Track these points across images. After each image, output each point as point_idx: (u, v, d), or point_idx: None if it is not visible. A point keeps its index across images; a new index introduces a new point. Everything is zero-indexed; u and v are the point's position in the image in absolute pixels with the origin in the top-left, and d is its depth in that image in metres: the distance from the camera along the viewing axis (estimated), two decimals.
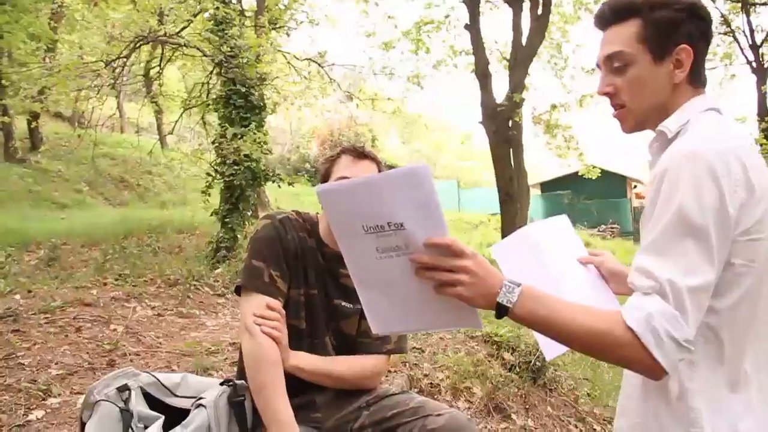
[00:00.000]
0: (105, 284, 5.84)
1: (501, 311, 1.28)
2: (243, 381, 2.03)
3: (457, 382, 3.85)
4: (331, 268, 2.19)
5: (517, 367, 4.28)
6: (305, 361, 2.07)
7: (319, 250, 2.19)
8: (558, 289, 1.45)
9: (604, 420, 4.34)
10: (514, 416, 3.82)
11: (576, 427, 4.13)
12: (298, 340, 2.10)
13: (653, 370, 1.22)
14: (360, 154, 2.15)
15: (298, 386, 2.07)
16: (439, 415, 2.05)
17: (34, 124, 13.57)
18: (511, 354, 4.38)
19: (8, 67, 11.92)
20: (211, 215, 9.15)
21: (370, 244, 1.29)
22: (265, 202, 11.68)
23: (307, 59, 10.97)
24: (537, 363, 4.26)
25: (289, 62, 11.08)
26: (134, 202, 17.87)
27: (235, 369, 2.35)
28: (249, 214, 8.88)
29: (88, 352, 3.95)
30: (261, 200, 10.29)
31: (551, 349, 1.76)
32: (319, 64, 10.79)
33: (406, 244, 1.26)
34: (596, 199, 27.56)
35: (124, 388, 2.00)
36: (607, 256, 1.92)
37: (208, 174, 9.01)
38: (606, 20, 1.48)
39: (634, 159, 34.61)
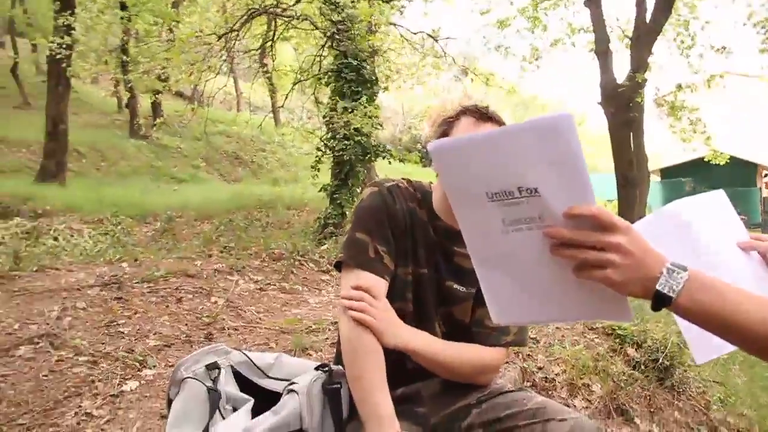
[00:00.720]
0: (210, 256, 5.83)
1: (660, 301, 0.99)
2: (340, 366, 1.80)
3: (574, 378, 3.51)
4: (443, 245, 1.90)
5: (642, 365, 3.87)
6: (424, 342, 1.78)
7: (431, 224, 1.90)
8: None
9: (739, 431, 3.89)
10: (637, 420, 3.44)
11: None
12: None
13: None
14: (483, 115, 1.84)
15: (401, 375, 1.83)
16: (562, 420, 1.74)
17: (152, 98, 14.08)
18: (636, 350, 3.97)
19: (134, 46, 12.42)
20: (320, 191, 9.15)
21: (495, 214, 1.04)
22: (375, 178, 11.63)
23: (420, 32, 10.75)
24: (665, 362, 3.84)
25: (402, 36, 10.89)
26: (248, 179, 18.38)
27: (335, 351, 2.12)
28: (358, 190, 8.77)
29: (186, 324, 3.89)
30: (371, 177, 10.20)
31: (704, 350, 1.46)
32: (434, 38, 10.54)
33: (540, 215, 1.00)
34: (721, 187, 25.83)
35: (213, 366, 1.85)
36: None
37: (318, 149, 9.00)
38: None
39: (766, 145, 32.31)
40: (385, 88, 10.81)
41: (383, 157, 9.05)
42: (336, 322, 4.09)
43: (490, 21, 13.99)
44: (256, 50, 10.64)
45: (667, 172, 29.47)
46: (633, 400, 3.59)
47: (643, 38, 11.51)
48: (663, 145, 22.29)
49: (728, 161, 15.14)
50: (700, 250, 1.52)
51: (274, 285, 5.30)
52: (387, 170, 11.04)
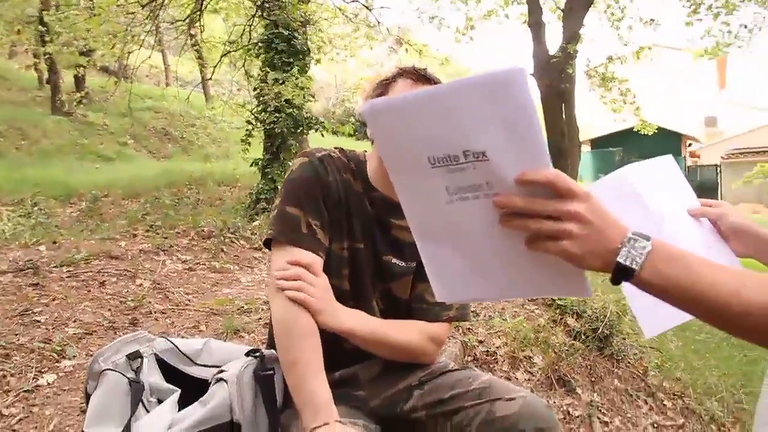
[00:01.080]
0: (135, 236, 5.57)
1: (622, 274, 0.88)
2: (273, 351, 1.67)
3: (515, 351, 3.46)
4: (380, 217, 1.78)
5: (582, 335, 3.87)
6: (360, 322, 1.67)
7: (367, 195, 1.77)
8: None
9: (674, 395, 3.94)
10: (579, 390, 3.43)
11: (646, 402, 3.73)
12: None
13: None
14: (421, 77, 1.72)
15: (338, 358, 1.71)
16: (510, 399, 1.66)
17: (75, 73, 13.47)
18: (576, 320, 3.97)
19: (52, 15, 11.82)
20: (251, 166, 8.94)
21: (438, 182, 0.91)
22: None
23: (354, 1, 10.53)
24: (605, 331, 3.84)
25: (336, 6, 10.70)
26: (178, 155, 17.92)
27: (267, 333, 1.99)
28: (290, 164, 8.60)
29: (110, 309, 3.66)
30: (303, 150, 10.03)
31: (654, 324, 1.41)
32: (368, 8, 10.36)
33: (488, 182, 0.88)
34: (649, 157, 26.62)
35: (135, 356, 1.70)
36: (726, 207, 1.50)
37: (248, 122, 8.76)
38: None
39: (689, 116, 33.45)
40: (317, 61, 10.58)
41: (316, 130, 8.89)
42: (269, 302, 3.94)
43: None
44: (183, 20, 10.22)
45: (597, 143, 30.14)
46: (574, 370, 3.59)
47: (575, 10, 11.63)
48: (593, 116, 22.73)
49: (656, 131, 15.52)
50: (651, 217, 1.45)
51: (204, 264, 5.09)
52: (320, 143, 10.87)
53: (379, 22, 10.82)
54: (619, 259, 0.87)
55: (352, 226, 1.76)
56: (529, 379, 3.34)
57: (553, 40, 11.73)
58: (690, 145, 31.77)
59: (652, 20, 13.57)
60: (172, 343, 1.78)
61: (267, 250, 1.73)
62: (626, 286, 0.93)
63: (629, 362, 3.99)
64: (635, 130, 15.63)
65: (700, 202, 1.53)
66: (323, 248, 1.68)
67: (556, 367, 3.51)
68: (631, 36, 13.67)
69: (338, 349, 1.70)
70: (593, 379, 3.64)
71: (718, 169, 27.49)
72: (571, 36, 11.37)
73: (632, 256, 0.87)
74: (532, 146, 0.85)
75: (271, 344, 1.76)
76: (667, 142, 27.66)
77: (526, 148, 0.85)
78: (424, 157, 0.90)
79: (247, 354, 1.68)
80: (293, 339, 1.56)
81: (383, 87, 1.77)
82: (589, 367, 3.69)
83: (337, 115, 25.73)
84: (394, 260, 1.79)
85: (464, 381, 1.76)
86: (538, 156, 0.86)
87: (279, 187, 8.08)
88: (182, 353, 1.78)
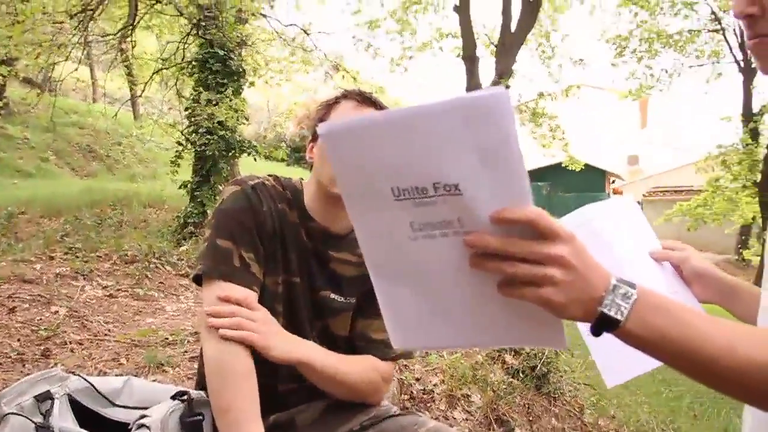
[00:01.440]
0: (52, 258, 5.27)
1: (604, 326, 0.79)
2: (202, 393, 1.53)
3: (453, 389, 3.37)
4: (317, 250, 1.66)
5: (520, 373, 3.82)
6: (317, 353, 1.54)
7: (303, 226, 1.66)
8: None
9: None
10: (517, 430, 3.36)
11: None
12: None
13: None
14: (366, 99, 1.65)
15: (272, 400, 1.56)
16: None
17: None
18: (514, 357, 3.92)
19: None
20: (180, 188, 8.69)
21: (402, 215, 0.80)
22: (238, 176, 11.23)
23: (292, 24, 10.54)
24: (543, 369, 3.81)
25: (274, 30, 10.62)
26: (102, 174, 17.39)
27: (196, 365, 1.83)
28: (221, 188, 8.41)
29: (19, 339, 3.40)
30: (234, 174, 9.83)
31: (616, 373, 1.33)
32: (306, 32, 10.35)
33: (460, 218, 0.77)
34: (574, 192, 27.47)
35: (44, 397, 1.53)
36: (689, 251, 1.44)
37: (179, 143, 8.54)
38: None
39: (613, 154, 34.73)
40: (252, 84, 10.47)
41: (248, 153, 8.76)
42: (197, 333, 3.74)
43: (361, 21, 14.11)
44: (114, 35, 9.92)
45: None
46: (512, 409, 3.52)
47: (508, 46, 11.95)
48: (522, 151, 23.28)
49: (582, 168, 16.02)
50: (615, 260, 1.37)
51: (126, 291, 4.85)
52: (252, 168, 10.70)
53: (316, 47, 10.82)
54: (604, 309, 0.78)
55: (288, 258, 1.64)
56: (467, 419, 3.25)
57: (486, 75, 11.99)
58: (613, 181, 32.85)
59: (581, 60, 14.12)
60: (87, 381, 1.62)
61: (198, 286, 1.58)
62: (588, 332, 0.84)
63: (565, 400, 3.97)
64: (563, 165, 16.08)
65: (662, 245, 1.47)
66: (258, 282, 1.57)
67: (495, 406, 3.44)
68: (561, 74, 14.08)
69: (271, 392, 1.56)
70: (531, 418, 3.58)
71: (640, 206, 28.47)
72: (504, 71, 11.68)
73: (617, 306, 0.78)
74: (512, 181, 0.75)
75: (201, 385, 1.61)
76: (593, 178, 28.60)
77: (505, 182, 0.75)
78: (387, 188, 0.79)
79: (173, 397, 1.54)
80: (227, 382, 1.42)
81: (326, 108, 1.70)
82: (527, 405, 3.63)
83: (268, 139, 25.57)
84: (332, 295, 1.69)
85: (409, 428, 1.65)
86: (518, 192, 0.75)
87: (208, 211, 7.92)
88: (99, 393, 1.63)
